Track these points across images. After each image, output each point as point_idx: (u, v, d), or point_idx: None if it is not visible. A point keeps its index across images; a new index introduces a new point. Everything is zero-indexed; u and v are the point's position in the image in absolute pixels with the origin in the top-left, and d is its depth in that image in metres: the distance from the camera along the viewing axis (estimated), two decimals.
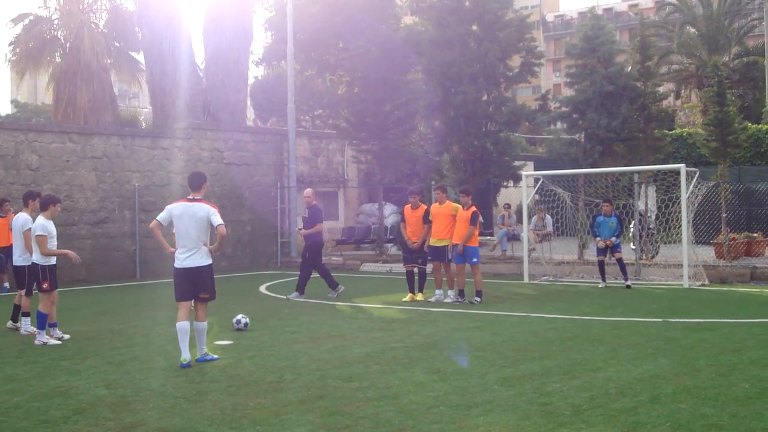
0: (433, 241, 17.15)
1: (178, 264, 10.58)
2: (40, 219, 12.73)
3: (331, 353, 11.16)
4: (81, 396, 8.92)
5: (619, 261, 19.87)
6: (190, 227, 10.50)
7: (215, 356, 10.76)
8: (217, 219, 10.55)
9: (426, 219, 17.18)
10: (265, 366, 10.32)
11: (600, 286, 19.80)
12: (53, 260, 12.90)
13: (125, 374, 10.02)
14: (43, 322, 12.66)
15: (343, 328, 13.68)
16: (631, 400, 8.24)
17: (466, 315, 15.13)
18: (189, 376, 9.81)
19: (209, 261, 10.66)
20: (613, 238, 19.72)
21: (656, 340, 11.74)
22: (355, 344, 11.88)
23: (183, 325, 10.45)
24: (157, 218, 10.69)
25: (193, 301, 10.74)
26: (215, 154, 28.44)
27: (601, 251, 20.05)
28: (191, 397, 8.72)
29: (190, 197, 10.81)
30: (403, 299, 17.42)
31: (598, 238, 20.05)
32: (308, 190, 19.06)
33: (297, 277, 18.91)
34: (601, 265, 20.06)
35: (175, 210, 10.65)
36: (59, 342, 12.52)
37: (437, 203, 17.34)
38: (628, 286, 19.44)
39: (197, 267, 10.53)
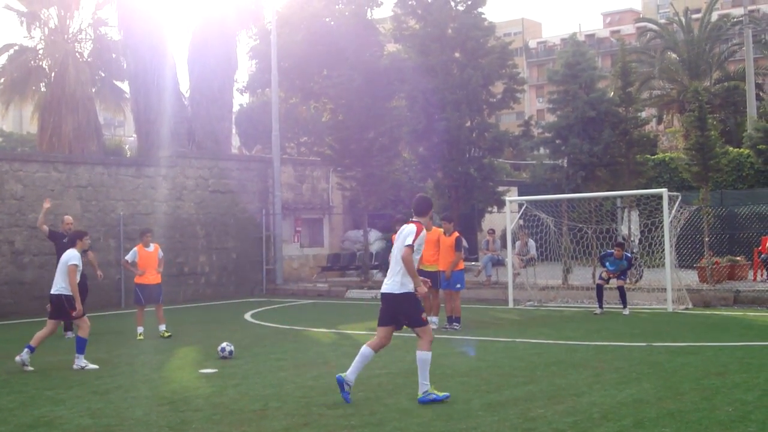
0: (425, 267, 17.07)
1: (382, 289, 10.05)
2: (74, 251, 13.36)
3: (315, 380, 11.17)
4: (65, 426, 8.90)
5: (621, 288, 19.63)
6: (395, 250, 9.97)
7: (440, 395, 9.60)
8: (409, 239, 9.70)
9: None
10: (250, 394, 10.31)
11: (596, 312, 19.44)
12: (55, 289, 13.32)
13: (109, 403, 9.99)
14: (82, 346, 12.88)
15: (327, 355, 13.69)
16: (615, 425, 8.28)
17: (450, 341, 15.16)
18: (174, 404, 9.80)
19: (403, 289, 9.72)
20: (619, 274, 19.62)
21: (640, 365, 11.79)
22: (339, 371, 11.86)
23: (365, 350, 9.89)
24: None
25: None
26: (200, 182, 28.45)
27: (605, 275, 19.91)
28: (175, 426, 8.71)
29: (412, 219, 10.14)
30: None
31: (604, 269, 19.88)
32: (68, 217, 18.38)
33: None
34: (600, 289, 19.73)
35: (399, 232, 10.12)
36: (96, 366, 12.68)
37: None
38: (624, 314, 19.21)
39: (390, 293, 9.81)
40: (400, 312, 9.81)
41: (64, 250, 17.37)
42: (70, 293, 13.18)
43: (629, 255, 20.27)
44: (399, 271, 9.76)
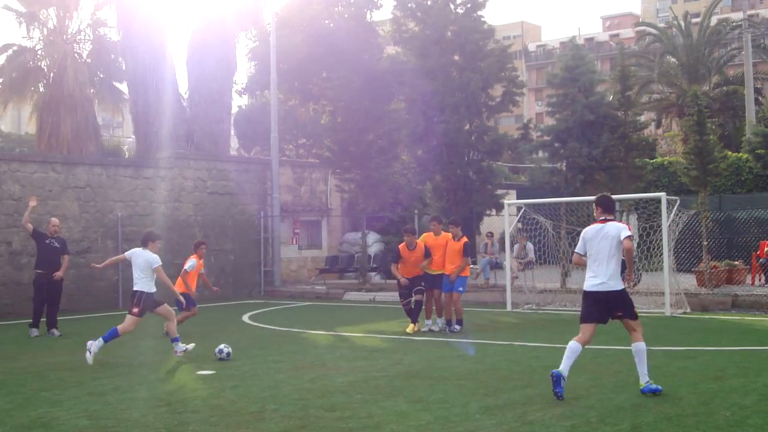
0: (431, 271, 17.01)
1: (587, 287, 10.34)
2: (151, 253, 13.83)
3: (313, 383, 11.14)
4: (62, 427, 8.88)
5: None
6: (602, 248, 10.22)
7: (658, 387, 9.94)
8: (625, 232, 10.19)
9: (427, 254, 16.86)
10: (247, 396, 10.29)
11: None
12: (153, 288, 13.87)
13: (107, 405, 9.97)
14: (110, 337, 13.49)
15: (325, 357, 13.67)
16: (613, 429, 8.27)
17: (448, 344, 15.15)
18: (171, 406, 9.78)
19: (622, 286, 10.30)
20: None
21: None
22: (337, 374, 11.87)
23: (573, 345, 10.28)
24: (577, 250, 10.50)
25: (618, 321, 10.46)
26: (198, 183, 28.43)
27: None
28: (173, 428, 8.69)
29: (602, 218, 10.51)
30: (408, 330, 16.96)
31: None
32: (54, 219, 18.41)
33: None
34: None
35: (588, 233, 10.43)
36: (90, 362, 13.03)
37: (433, 234, 17.20)
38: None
39: (608, 291, 10.20)
40: (617, 308, 10.23)
41: (47, 251, 17.64)
42: (147, 290, 13.71)
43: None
44: (615, 267, 10.18)
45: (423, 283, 16.98)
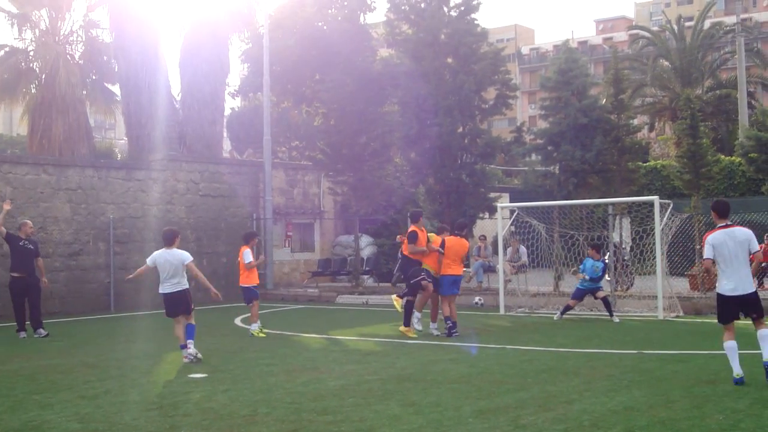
0: (432, 270, 16.84)
1: (725, 292, 10.90)
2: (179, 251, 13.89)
3: (305, 386, 11.10)
4: (53, 430, 8.83)
5: (604, 300, 19.70)
6: (735, 253, 10.80)
7: None
8: (755, 244, 10.93)
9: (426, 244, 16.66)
10: (239, 399, 10.25)
11: (555, 318, 19.83)
12: (179, 286, 13.88)
13: (98, 408, 9.92)
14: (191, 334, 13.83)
15: (318, 360, 13.64)
16: None
17: (441, 347, 15.12)
18: (163, 409, 9.73)
19: (754, 288, 11.01)
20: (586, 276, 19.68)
21: (630, 372, 11.76)
22: (329, 377, 11.83)
23: (730, 344, 10.96)
24: (706, 256, 10.93)
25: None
26: (191, 185, 28.36)
27: (577, 294, 19.95)
28: (164, 431, 8.65)
29: (724, 224, 11.08)
30: (413, 335, 16.69)
31: (580, 274, 19.98)
32: (29, 222, 18.56)
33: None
34: (568, 308, 19.96)
35: (717, 239, 10.89)
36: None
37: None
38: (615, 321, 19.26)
39: (743, 295, 10.83)
40: (752, 310, 10.92)
41: (21, 253, 17.71)
42: (188, 287, 13.94)
43: (605, 261, 20.38)
44: (748, 270, 10.92)
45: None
